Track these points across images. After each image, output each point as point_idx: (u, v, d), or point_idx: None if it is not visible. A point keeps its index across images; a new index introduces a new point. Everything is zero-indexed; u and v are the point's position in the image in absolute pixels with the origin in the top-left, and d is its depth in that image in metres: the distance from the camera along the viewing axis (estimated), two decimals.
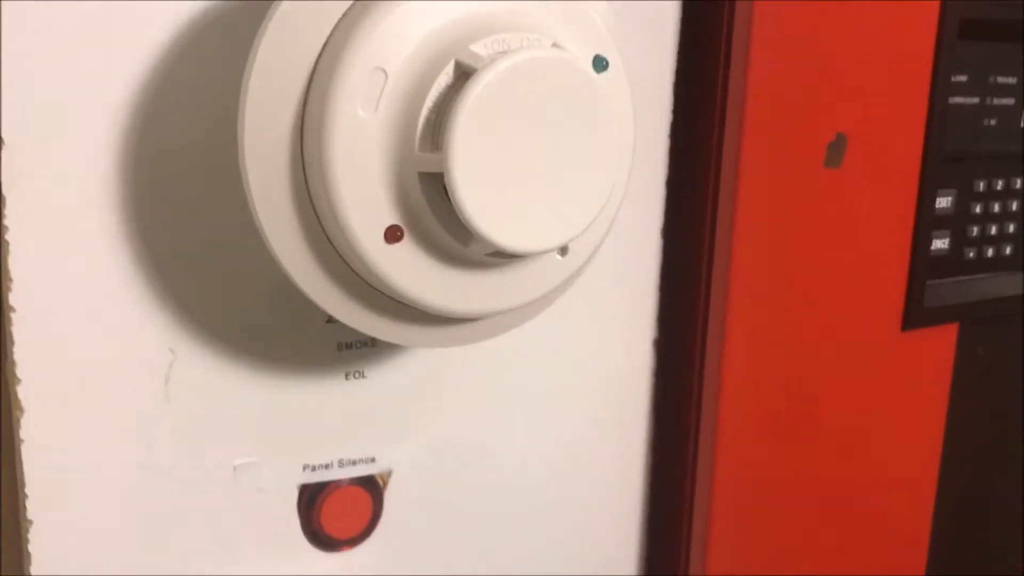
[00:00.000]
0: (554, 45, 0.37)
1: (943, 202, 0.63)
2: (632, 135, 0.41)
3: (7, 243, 0.40)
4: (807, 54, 0.53)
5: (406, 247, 0.37)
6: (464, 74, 0.35)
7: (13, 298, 0.41)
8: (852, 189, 0.57)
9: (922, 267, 0.61)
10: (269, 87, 0.36)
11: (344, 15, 0.36)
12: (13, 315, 0.41)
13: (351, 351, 0.48)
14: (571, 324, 0.54)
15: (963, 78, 0.61)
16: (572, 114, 0.36)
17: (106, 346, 0.43)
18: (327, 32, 0.36)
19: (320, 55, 0.36)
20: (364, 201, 0.36)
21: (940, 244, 0.64)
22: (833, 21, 0.54)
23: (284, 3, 0.36)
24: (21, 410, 0.42)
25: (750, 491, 0.59)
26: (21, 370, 0.41)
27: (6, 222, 0.40)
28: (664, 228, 0.56)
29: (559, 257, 0.41)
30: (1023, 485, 0.72)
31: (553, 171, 0.36)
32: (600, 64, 0.39)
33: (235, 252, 0.44)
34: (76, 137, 0.40)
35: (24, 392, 0.41)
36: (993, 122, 0.64)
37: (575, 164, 0.37)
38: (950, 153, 0.61)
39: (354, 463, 0.49)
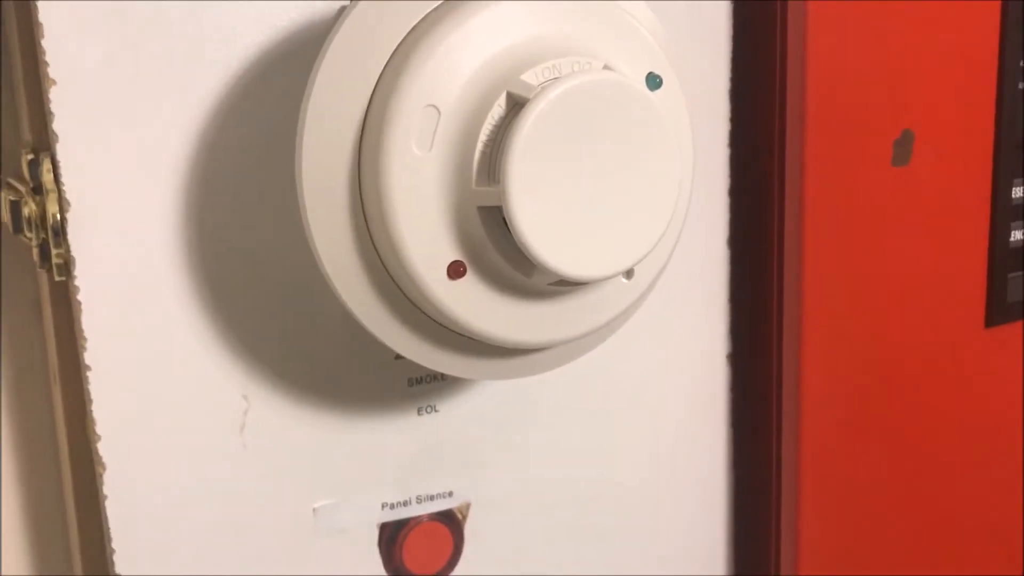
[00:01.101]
0: (605, 67, 0.36)
1: (1020, 191, 0.61)
2: (691, 149, 0.40)
3: (79, 303, 0.41)
4: (865, 50, 0.52)
5: (469, 282, 0.36)
6: (516, 105, 0.34)
7: (88, 357, 0.41)
8: (923, 185, 0.55)
9: (1002, 261, 0.59)
10: (323, 130, 0.36)
11: (393, 54, 0.36)
12: (89, 374, 0.41)
13: (422, 386, 0.48)
14: (642, 344, 0.53)
15: None
16: (629, 135, 0.35)
17: (181, 398, 0.43)
18: (378, 72, 0.36)
19: (372, 95, 0.36)
20: (425, 239, 0.35)
21: (1020, 235, 0.61)
22: (890, 14, 0.52)
23: (333, 46, 0.36)
24: (103, 467, 0.42)
25: (837, 500, 0.57)
26: (100, 427, 0.42)
27: (77, 283, 0.41)
28: (730, 238, 0.55)
29: (625, 280, 0.40)
30: None
31: (614, 194, 0.36)
32: (654, 82, 0.38)
33: (301, 295, 0.44)
34: (140, 194, 0.41)
35: (104, 449, 0.42)
36: None
37: (636, 185, 0.36)
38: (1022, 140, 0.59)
39: (432, 498, 0.49)
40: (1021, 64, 0.58)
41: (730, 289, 0.56)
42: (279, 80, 0.42)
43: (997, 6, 0.55)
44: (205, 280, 0.43)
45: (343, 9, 0.41)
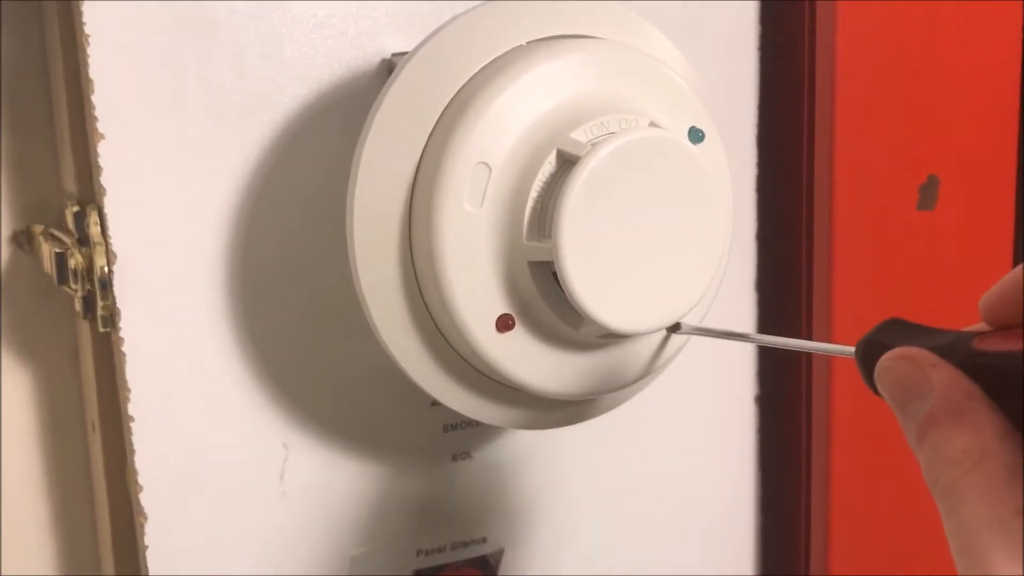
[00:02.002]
0: (651, 124, 0.37)
1: None
2: (731, 201, 0.40)
3: (123, 354, 0.41)
4: (891, 100, 0.52)
5: (518, 335, 0.37)
6: (567, 162, 0.35)
7: (132, 408, 0.41)
8: (948, 230, 0.55)
9: None
10: (375, 185, 0.36)
11: (444, 111, 0.36)
12: (132, 424, 0.41)
13: (456, 432, 0.48)
14: (672, 388, 0.53)
15: None
16: (676, 191, 0.36)
17: (222, 448, 0.43)
18: (428, 129, 0.36)
19: (423, 152, 0.36)
20: (475, 293, 0.36)
21: None
22: (915, 64, 0.53)
23: (385, 103, 0.36)
24: (144, 516, 0.42)
25: (865, 543, 0.57)
26: (142, 478, 0.42)
27: (122, 334, 0.41)
28: (758, 282, 0.55)
29: (667, 331, 0.40)
30: None
31: (662, 248, 0.36)
32: (696, 135, 0.39)
33: (340, 345, 0.44)
34: (185, 247, 0.41)
35: (146, 499, 0.42)
36: None
37: (683, 239, 0.37)
38: None
39: (466, 545, 0.49)
40: None
41: (759, 332, 0.56)
42: (322, 134, 0.42)
43: (1018, 51, 0.56)
44: (247, 330, 0.43)
45: (384, 63, 0.42)
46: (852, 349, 0.29)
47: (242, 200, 0.42)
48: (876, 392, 0.29)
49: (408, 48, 0.39)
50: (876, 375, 0.28)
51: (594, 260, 0.35)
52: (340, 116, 0.42)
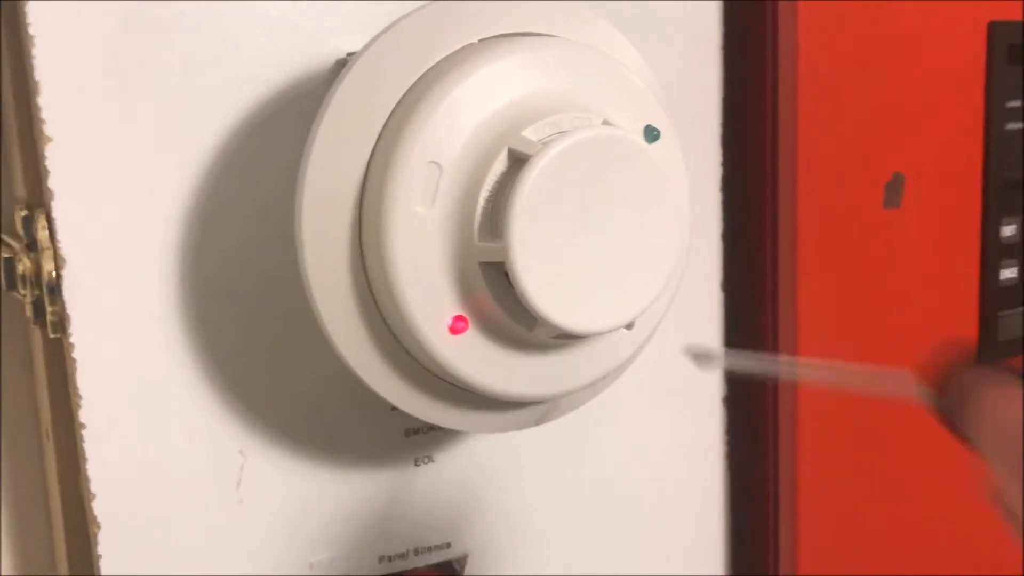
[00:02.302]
0: (605, 122, 0.36)
1: (1009, 230, 0.61)
2: (688, 200, 0.40)
3: (74, 360, 0.40)
4: (855, 99, 0.52)
5: (471, 336, 0.36)
6: (518, 161, 0.34)
7: (83, 415, 0.41)
8: (914, 227, 0.55)
9: (993, 299, 0.59)
10: (324, 187, 0.36)
11: (393, 111, 0.36)
12: (84, 432, 0.41)
13: (419, 436, 0.47)
14: (640, 389, 0.53)
15: (1018, 103, 0.60)
16: (630, 189, 0.36)
17: (177, 455, 0.42)
18: (378, 129, 0.36)
19: (373, 152, 0.36)
20: (427, 295, 0.35)
21: (1009, 273, 0.62)
22: (878, 63, 0.53)
23: (333, 104, 0.36)
24: (97, 525, 0.41)
25: (834, 542, 0.57)
26: (95, 486, 0.41)
27: (72, 340, 0.40)
28: (724, 282, 0.55)
29: (625, 331, 0.40)
30: None
31: (616, 248, 0.36)
32: (652, 134, 0.38)
33: (296, 349, 0.44)
34: (135, 253, 0.40)
35: (99, 507, 0.41)
36: None
37: (637, 238, 0.36)
38: (1012, 180, 0.60)
39: (430, 550, 0.48)
40: (1007, 106, 0.59)
41: (725, 333, 0.56)
42: (275, 136, 0.42)
43: (983, 51, 0.56)
44: (201, 336, 0.42)
45: (339, 64, 0.42)
46: (910, 375, 0.27)
47: (194, 204, 0.41)
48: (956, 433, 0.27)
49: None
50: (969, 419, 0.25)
51: (546, 260, 0.34)
52: (293, 117, 0.42)
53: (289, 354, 0.44)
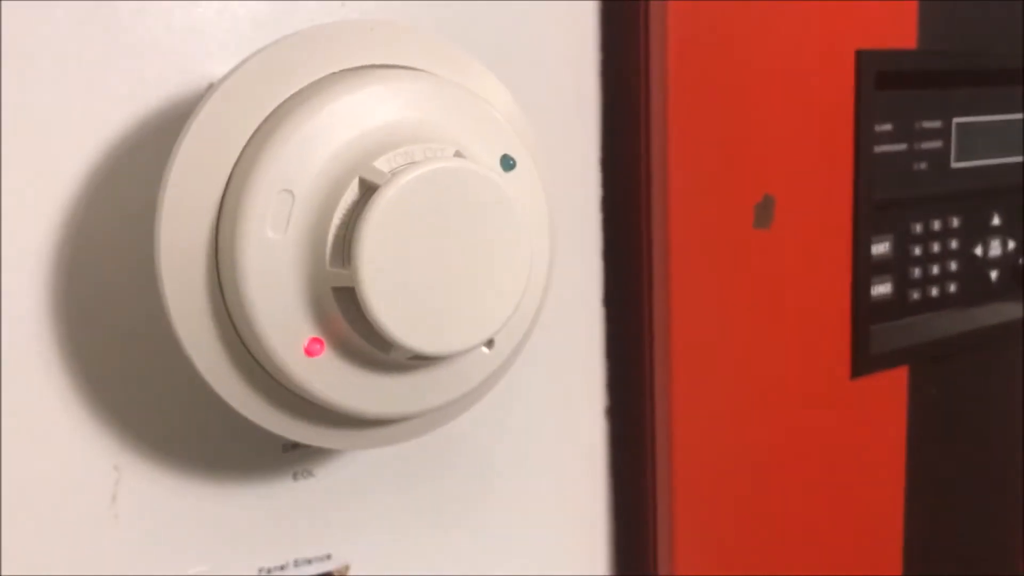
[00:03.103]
0: (457, 153, 0.38)
1: (881, 248, 0.64)
2: (547, 225, 0.42)
3: None
4: (726, 121, 0.55)
5: (328, 358, 0.38)
6: (369, 190, 0.36)
7: None
8: (785, 246, 0.58)
9: (864, 314, 0.62)
10: (181, 211, 0.37)
11: (251, 138, 0.37)
12: None
13: (297, 451, 0.48)
14: (522, 400, 0.54)
15: (888, 126, 0.63)
16: (479, 217, 0.37)
17: (51, 470, 0.43)
18: (235, 156, 0.37)
19: (230, 178, 0.37)
20: (281, 318, 0.36)
21: (883, 289, 0.65)
22: (749, 88, 0.55)
23: (192, 129, 0.37)
24: None
25: (713, 552, 0.59)
26: None
27: None
28: (605, 298, 0.57)
29: (486, 350, 0.41)
30: (989, 516, 0.73)
31: (466, 273, 0.37)
32: (508, 163, 0.40)
33: (170, 364, 0.45)
34: (6, 268, 0.41)
35: None
36: (923, 166, 0.65)
37: (487, 263, 0.38)
38: (883, 200, 0.63)
39: (309, 562, 0.50)
40: (877, 129, 0.62)
41: (606, 346, 0.58)
42: (146, 159, 0.42)
43: (851, 72, 0.59)
44: (72, 352, 0.43)
45: (210, 87, 0.43)
46: None
47: (66, 222, 0.42)
48: None
49: None
50: None
51: (396, 285, 0.36)
52: (166, 140, 0.43)
53: (164, 369, 0.44)
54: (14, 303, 0.41)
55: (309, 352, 0.37)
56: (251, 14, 0.44)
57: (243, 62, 0.38)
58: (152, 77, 0.43)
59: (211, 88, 0.38)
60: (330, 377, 0.38)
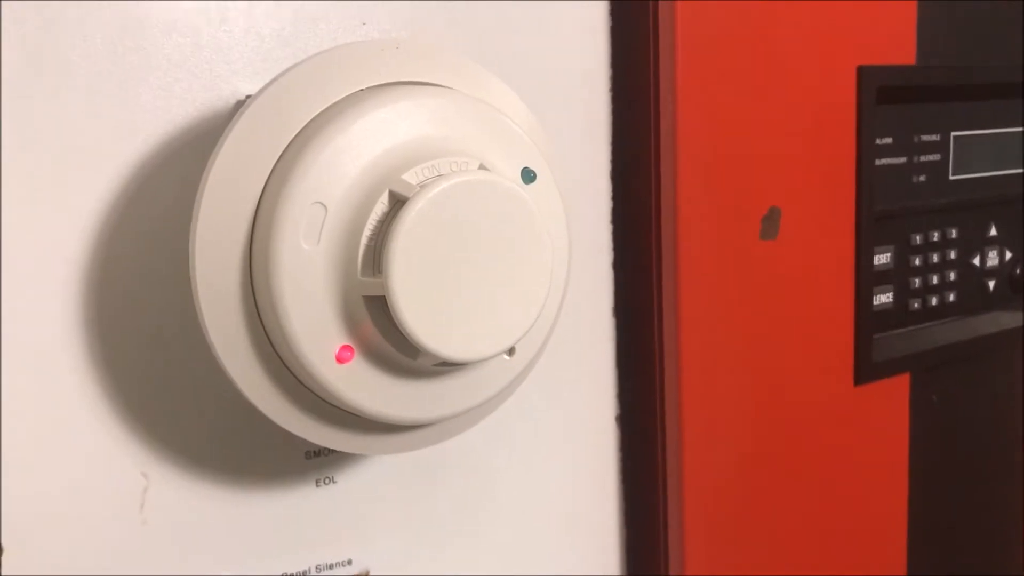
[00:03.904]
0: (481, 166, 0.39)
1: (883, 258, 0.66)
2: (566, 236, 0.43)
3: None
4: (732, 135, 0.56)
5: (358, 365, 0.39)
6: (398, 202, 0.37)
7: None
8: (790, 257, 0.59)
9: (867, 323, 0.63)
10: (216, 224, 0.38)
11: (283, 153, 0.38)
12: None
13: (319, 458, 0.49)
14: (535, 409, 0.56)
15: (889, 140, 0.65)
16: (503, 228, 0.38)
17: (80, 477, 0.44)
18: (268, 170, 0.38)
19: (263, 191, 0.38)
20: (313, 326, 0.38)
21: (884, 299, 0.66)
22: (754, 103, 0.57)
23: (226, 144, 0.38)
24: (0, 549, 0.43)
25: (722, 557, 0.60)
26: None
27: None
28: (615, 308, 0.58)
29: (507, 357, 0.43)
30: (990, 521, 0.74)
31: (491, 281, 0.39)
32: (528, 175, 0.41)
33: (197, 372, 0.46)
34: (40, 275, 0.42)
35: (3, 530, 0.43)
36: (923, 178, 0.67)
37: (511, 273, 0.39)
38: (884, 212, 0.64)
39: (331, 567, 0.51)
40: (878, 142, 0.64)
41: (617, 356, 0.59)
42: (175, 173, 0.44)
43: (853, 93, 0.60)
44: (103, 359, 0.44)
45: (238, 104, 0.44)
46: None
47: (97, 235, 0.43)
48: None
49: None
50: None
51: (425, 293, 0.37)
52: (195, 152, 0.44)
53: (191, 378, 0.46)
54: (46, 310, 0.43)
55: (340, 359, 0.38)
56: (275, 33, 0.45)
57: (275, 79, 0.39)
58: (180, 92, 0.44)
59: (244, 104, 0.40)
60: (359, 383, 0.39)
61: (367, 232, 0.37)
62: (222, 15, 0.44)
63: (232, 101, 0.45)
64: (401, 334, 0.38)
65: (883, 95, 0.61)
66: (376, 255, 0.37)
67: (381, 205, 0.37)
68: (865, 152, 0.61)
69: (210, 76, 0.44)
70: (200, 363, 0.45)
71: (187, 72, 0.44)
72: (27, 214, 0.42)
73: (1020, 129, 0.72)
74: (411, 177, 0.38)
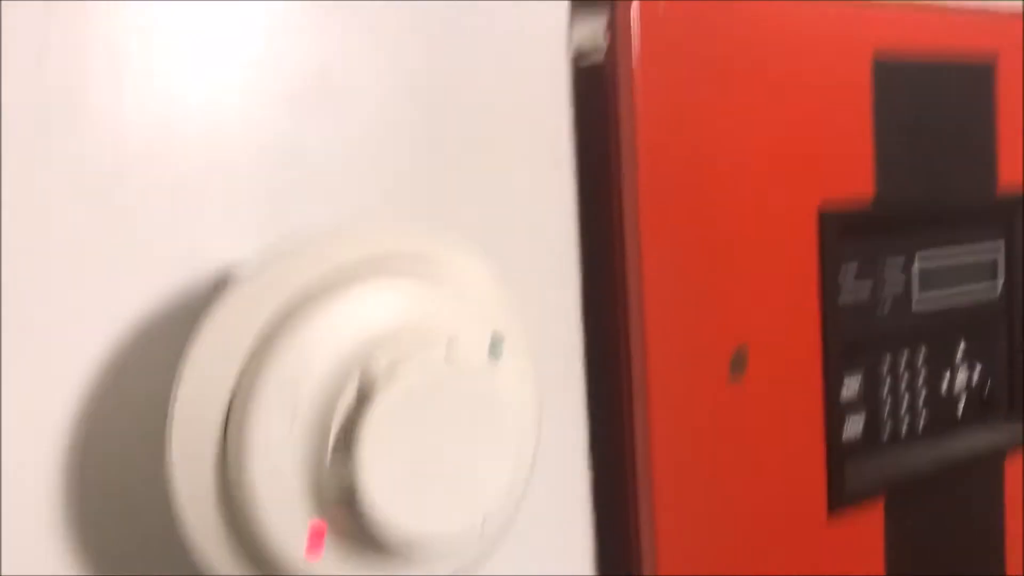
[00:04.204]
0: (450, 340, 0.40)
1: (851, 387, 0.67)
2: (537, 409, 0.44)
3: None
4: (698, 279, 0.58)
5: (330, 547, 0.39)
6: (365, 394, 0.38)
7: None
8: (759, 393, 0.60)
9: (838, 453, 0.64)
10: (192, 412, 0.39)
11: (257, 339, 0.39)
12: None
13: None
14: (515, 564, 0.56)
15: (854, 264, 0.66)
16: (468, 411, 0.40)
17: None
18: (244, 356, 0.39)
19: (239, 379, 0.39)
20: (284, 510, 0.38)
21: (855, 427, 0.67)
22: (718, 242, 0.58)
23: (204, 332, 0.39)
24: None
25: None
26: None
27: None
28: (590, 459, 0.59)
29: (478, 529, 0.43)
30: None
31: (459, 463, 0.40)
32: (496, 350, 0.42)
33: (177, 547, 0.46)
34: (23, 445, 0.43)
35: None
36: (887, 305, 0.69)
37: (478, 453, 0.40)
38: (850, 342, 0.66)
39: None
40: (841, 270, 0.65)
41: (594, 509, 0.59)
42: (158, 348, 0.45)
43: (814, 226, 0.62)
44: (83, 549, 0.44)
45: (219, 283, 0.45)
46: None
47: (81, 409, 0.43)
48: None
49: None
50: None
51: (395, 483, 0.38)
52: (176, 316, 0.45)
53: (168, 551, 0.46)
54: (27, 474, 0.43)
55: (312, 543, 0.39)
56: (252, 202, 0.47)
57: (249, 266, 0.41)
58: (161, 256, 0.45)
59: (219, 288, 0.41)
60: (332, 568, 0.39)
61: (336, 418, 0.38)
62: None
63: (210, 262, 0.45)
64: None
65: (844, 231, 0.63)
66: (346, 441, 0.38)
67: (350, 391, 0.38)
68: (828, 288, 0.63)
69: (189, 241, 0.45)
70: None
71: (168, 236, 0.45)
72: (11, 384, 0.42)
73: (985, 244, 0.74)
74: (379, 360, 0.38)
